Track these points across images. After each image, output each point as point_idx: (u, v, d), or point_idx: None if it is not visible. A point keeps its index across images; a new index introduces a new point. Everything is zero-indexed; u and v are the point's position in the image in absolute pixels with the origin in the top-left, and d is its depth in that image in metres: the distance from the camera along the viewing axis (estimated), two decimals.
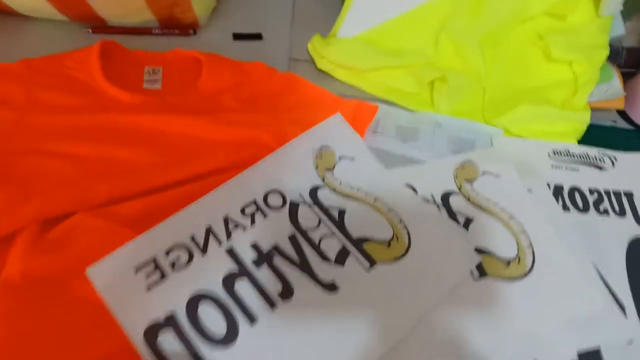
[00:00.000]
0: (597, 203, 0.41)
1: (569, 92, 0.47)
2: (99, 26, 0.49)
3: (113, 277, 0.32)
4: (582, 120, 0.46)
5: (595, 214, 0.40)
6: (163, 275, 0.33)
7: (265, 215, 0.37)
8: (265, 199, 0.38)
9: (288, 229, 0.37)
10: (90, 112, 0.40)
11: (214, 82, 0.44)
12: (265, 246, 0.36)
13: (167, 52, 0.46)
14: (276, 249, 0.36)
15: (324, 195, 0.39)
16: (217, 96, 0.44)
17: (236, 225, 0.36)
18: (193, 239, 0.35)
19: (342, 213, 0.38)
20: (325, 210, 0.38)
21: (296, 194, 0.39)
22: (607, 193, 0.41)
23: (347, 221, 0.38)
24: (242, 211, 0.37)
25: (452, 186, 0.41)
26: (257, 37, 0.51)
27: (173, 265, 0.33)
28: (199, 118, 0.41)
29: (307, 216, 0.38)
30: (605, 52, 0.48)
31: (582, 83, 0.47)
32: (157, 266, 0.33)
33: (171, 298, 0.32)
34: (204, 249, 0.35)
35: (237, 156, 0.40)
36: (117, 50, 0.45)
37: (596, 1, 0.49)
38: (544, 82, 0.48)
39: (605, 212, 0.40)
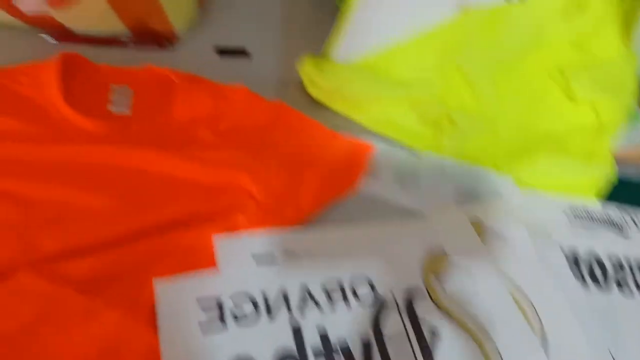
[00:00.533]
0: (619, 277, 0.36)
1: (591, 138, 0.42)
2: (64, 35, 0.43)
3: (177, 302, 0.29)
4: (605, 174, 0.40)
5: (617, 292, 0.35)
6: (222, 322, 0.29)
7: (349, 305, 0.31)
8: (352, 284, 0.32)
9: (365, 331, 0.30)
10: (42, 142, 0.35)
11: (190, 110, 0.38)
12: (334, 339, 0.30)
13: (137, 68, 0.40)
14: (343, 349, 0.29)
15: (421, 303, 0.32)
16: (192, 127, 0.38)
17: (314, 302, 0.31)
18: (264, 294, 0.31)
19: (435, 336, 0.30)
20: (416, 324, 0.31)
21: (387, 291, 0.32)
22: (630, 265, 0.36)
23: (439, 349, 0.30)
24: (324, 289, 0.32)
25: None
26: (243, 53, 0.45)
27: (235, 316, 0.30)
28: (170, 153, 0.36)
29: (392, 323, 0.31)
30: (636, 91, 0.43)
31: (607, 128, 0.42)
32: (219, 306, 0.30)
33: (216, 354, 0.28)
34: (271, 311, 0.30)
35: (213, 203, 0.34)
36: (79, 65, 0.39)
37: (625, 31, 0.43)
38: (564, 126, 0.42)
39: (628, 289, 0.35)
